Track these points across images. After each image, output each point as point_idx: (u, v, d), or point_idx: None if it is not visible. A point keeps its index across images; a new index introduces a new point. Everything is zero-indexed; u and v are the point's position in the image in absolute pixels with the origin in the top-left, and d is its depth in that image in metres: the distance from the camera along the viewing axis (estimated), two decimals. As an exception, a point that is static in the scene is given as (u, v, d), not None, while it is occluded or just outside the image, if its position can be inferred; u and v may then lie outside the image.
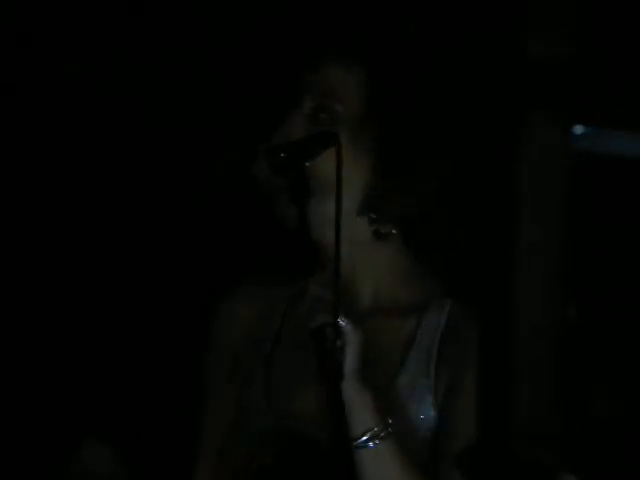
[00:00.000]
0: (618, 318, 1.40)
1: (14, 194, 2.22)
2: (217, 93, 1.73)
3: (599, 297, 1.41)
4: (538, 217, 1.15)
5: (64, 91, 2.15)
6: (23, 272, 2.20)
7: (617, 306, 1.42)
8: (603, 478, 1.33)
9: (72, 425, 2.20)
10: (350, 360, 1.11)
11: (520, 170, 1.15)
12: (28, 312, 2.23)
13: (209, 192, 1.54)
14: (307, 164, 1.13)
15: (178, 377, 1.81)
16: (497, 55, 1.30)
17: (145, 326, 1.94)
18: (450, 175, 1.26)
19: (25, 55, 2.21)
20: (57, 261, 2.20)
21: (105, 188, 1.93)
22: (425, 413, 1.21)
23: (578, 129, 1.38)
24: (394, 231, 1.24)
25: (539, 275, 1.07)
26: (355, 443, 1.11)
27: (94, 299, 2.24)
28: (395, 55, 1.32)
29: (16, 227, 2.17)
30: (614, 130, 1.50)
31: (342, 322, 1.09)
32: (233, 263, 1.37)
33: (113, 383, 2.07)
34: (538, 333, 1.11)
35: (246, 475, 1.20)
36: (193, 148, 1.77)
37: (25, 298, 2.33)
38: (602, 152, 1.50)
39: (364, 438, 1.12)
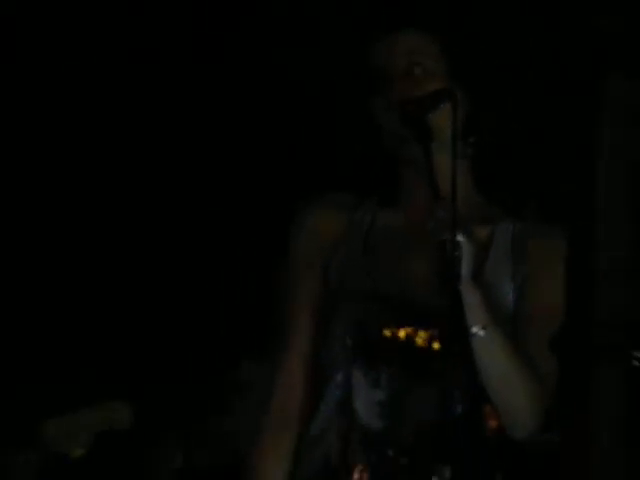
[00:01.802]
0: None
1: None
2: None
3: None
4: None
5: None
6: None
7: None
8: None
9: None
10: (466, 267, 1.43)
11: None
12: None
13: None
14: (429, 115, 1.46)
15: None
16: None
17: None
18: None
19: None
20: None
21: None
22: (507, 297, 1.54)
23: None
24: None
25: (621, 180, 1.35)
26: (471, 332, 1.43)
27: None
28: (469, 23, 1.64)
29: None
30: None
31: (460, 237, 1.42)
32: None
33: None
34: (619, 236, 1.40)
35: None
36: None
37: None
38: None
39: (476, 328, 1.45)
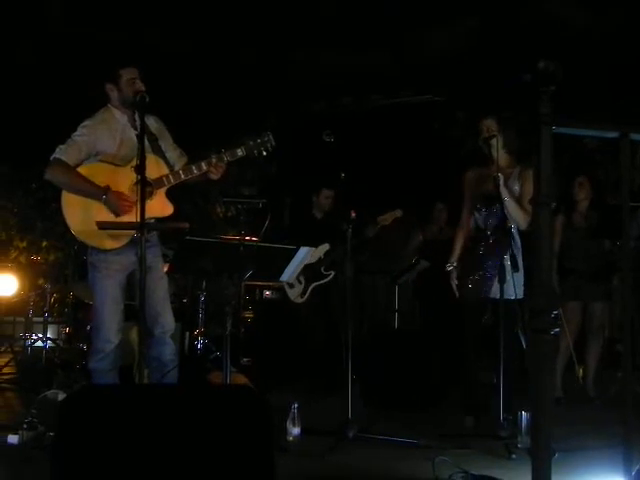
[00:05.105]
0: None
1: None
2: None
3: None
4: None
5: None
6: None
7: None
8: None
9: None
10: (502, 183, 5.33)
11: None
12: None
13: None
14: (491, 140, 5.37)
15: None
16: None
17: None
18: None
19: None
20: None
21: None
22: (516, 189, 5.55)
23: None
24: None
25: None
26: (504, 199, 5.30)
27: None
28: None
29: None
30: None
31: (499, 174, 5.27)
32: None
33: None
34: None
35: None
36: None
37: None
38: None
39: (506, 198, 5.36)
